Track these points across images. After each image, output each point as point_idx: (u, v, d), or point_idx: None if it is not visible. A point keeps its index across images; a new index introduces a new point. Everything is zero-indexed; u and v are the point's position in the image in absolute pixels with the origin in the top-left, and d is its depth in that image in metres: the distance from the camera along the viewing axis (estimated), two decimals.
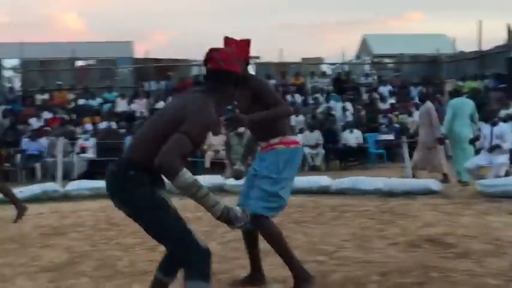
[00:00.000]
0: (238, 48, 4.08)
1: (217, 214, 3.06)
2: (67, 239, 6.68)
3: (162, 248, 5.83)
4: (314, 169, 15.08)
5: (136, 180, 3.13)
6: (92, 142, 15.50)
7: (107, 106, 19.46)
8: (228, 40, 4.12)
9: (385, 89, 21.40)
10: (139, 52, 25.13)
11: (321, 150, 15.56)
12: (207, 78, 3.40)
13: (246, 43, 4.16)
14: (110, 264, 5.35)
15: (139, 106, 19.12)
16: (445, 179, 10.53)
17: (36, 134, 15.77)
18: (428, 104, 11.33)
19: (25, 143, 15.51)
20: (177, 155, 2.99)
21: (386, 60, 27.19)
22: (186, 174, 2.97)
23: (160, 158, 2.98)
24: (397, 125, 17.17)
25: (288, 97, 20.21)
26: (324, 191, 9.95)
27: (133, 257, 5.57)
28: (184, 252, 3.15)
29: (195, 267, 3.11)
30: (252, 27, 61.70)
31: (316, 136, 15.67)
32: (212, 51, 3.38)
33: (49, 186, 10.82)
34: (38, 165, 14.90)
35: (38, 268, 5.31)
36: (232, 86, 3.38)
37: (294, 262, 4.29)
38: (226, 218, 3.07)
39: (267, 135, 4.26)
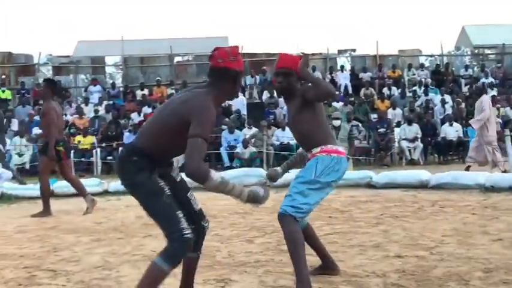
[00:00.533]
0: (291, 60, 4.27)
1: (245, 199, 3.40)
2: None
3: (259, 240, 5.95)
4: (412, 163, 14.84)
5: (137, 164, 3.44)
6: None
7: None
8: (281, 56, 4.36)
9: (486, 81, 20.64)
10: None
11: (419, 144, 15.22)
12: (209, 75, 3.64)
13: (298, 57, 4.33)
14: (209, 254, 5.43)
15: (236, 101, 19.32)
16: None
17: (137, 128, 16.28)
18: (484, 98, 11.39)
19: (127, 136, 16.04)
20: (199, 160, 3.25)
21: (488, 51, 26.17)
22: (213, 177, 3.25)
23: (188, 168, 3.24)
24: (499, 119, 16.50)
25: (385, 90, 19.90)
26: (423, 186, 9.75)
27: (232, 249, 5.65)
28: (168, 236, 3.40)
29: (170, 252, 3.39)
30: (347, 20, 61.16)
31: (415, 129, 15.35)
32: (214, 50, 3.62)
33: None
34: None
35: (141, 257, 5.45)
36: (231, 82, 3.58)
37: (301, 272, 3.98)
38: (253, 199, 3.41)
39: (310, 146, 4.29)
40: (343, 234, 6.18)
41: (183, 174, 3.54)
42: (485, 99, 11.35)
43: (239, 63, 3.59)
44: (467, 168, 11.06)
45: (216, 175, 3.26)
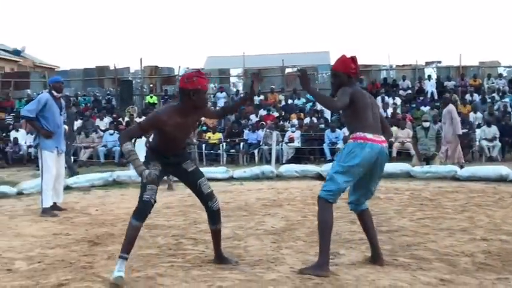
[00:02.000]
0: (341, 63, 4.16)
1: (137, 172, 3.90)
2: (283, 210, 6.88)
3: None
4: (491, 160, 14.09)
5: (146, 155, 4.17)
6: (297, 134, 15.82)
7: (309, 105, 19.74)
8: (341, 56, 4.26)
9: None
10: (335, 60, 25.00)
11: (498, 143, 14.42)
12: None
13: (350, 59, 4.18)
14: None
15: None
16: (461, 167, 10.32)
17: (255, 127, 16.49)
18: (450, 107, 11.39)
19: (246, 134, 16.27)
20: (126, 135, 4.01)
21: None
22: (127, 146, 3.90)
23: (121, 134, 4.29)
24: None
25: (467, 96, 19.01)
26: (502, 179, 9.22)
27: (338, 228, 5.55)
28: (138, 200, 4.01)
29: (135, 210, 3.97)
30: (434, 35, 58.84)
31: (493, 130, 14.56)
32: None
33: (266, 168, 11.21)
34: (256, 152, 15.59)
35: (263, 231, 5.54)
36: (188, 97, 3.97)
37: (324, 249, 3.92)
38: (140, 174, 3.88)
39: (349, 134, 4.15)
40: (434, 219, 5.98)
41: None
42: (452, 108, 11.44)
43: (192, 83, 3.94)
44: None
45: (129, 146, 3.89)
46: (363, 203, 4.25)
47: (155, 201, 3.97)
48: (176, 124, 3.98)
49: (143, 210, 3.95)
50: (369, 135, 3.97)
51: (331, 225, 3.96)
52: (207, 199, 4.25)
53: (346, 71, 4.13)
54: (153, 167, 4.04)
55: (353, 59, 4.18)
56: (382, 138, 4.05)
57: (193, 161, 4.23)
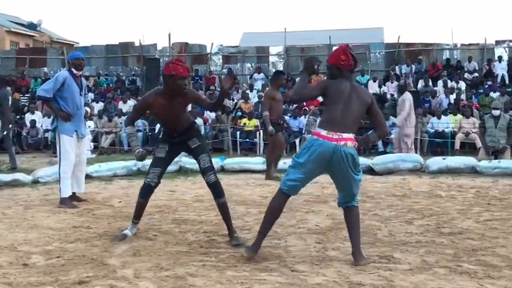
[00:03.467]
0: (331, 55, 4.54)
1: (133, 151, 5.16)
2: (328, 206, 6.86)
3: (418, 222, 5.80)
4: None
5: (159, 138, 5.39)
6: None
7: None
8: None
9: None
10: (390, 37, 24.73)
11: None
12: None
13: (341, 50, 4.44)
14: (370, 233, 5.40)
15: (391, 89, 18.86)
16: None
17: (296, 113, 16.46)
18: (406, 95, 12.35)
19: (287, 120, 16.26)
20: (127, 120, 5.31)
21: None
22: (128, 128, 5.26)
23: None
24: None
25: None
26: None
27: (391, 228, 5.56)
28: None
29: (140, 189, 5.19)
30: (504, 8, 57.35)
31: None
32: None
33: None
34: (297, 141, 15.58)
35: (305, 230, 5.55)
36: (166, 82, 4.94)
37: (261, 234, 4.45)
38: (135, 153, 5.11)
39: None
40: (503, 221, 5.87)
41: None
42: (408, 97, 12.22)
43: (168, 69, 4.89)
44: None
45: (131, 129, 5.22)
46: (348, 201, 4.49)
47: (156, 184, 5.09)
48: (160, 106, 4.94)
49: (144, 190, 5.13)
50: (323, 132, 4.25)
51: (274, 214, 4.46)
52: (203, 173, 5.03)
53: (336, 62, 4.43)
54: (160, 148, 5.12)
55: (344, 50, 4.43)
56: (343, 135, 4.24)
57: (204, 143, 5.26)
